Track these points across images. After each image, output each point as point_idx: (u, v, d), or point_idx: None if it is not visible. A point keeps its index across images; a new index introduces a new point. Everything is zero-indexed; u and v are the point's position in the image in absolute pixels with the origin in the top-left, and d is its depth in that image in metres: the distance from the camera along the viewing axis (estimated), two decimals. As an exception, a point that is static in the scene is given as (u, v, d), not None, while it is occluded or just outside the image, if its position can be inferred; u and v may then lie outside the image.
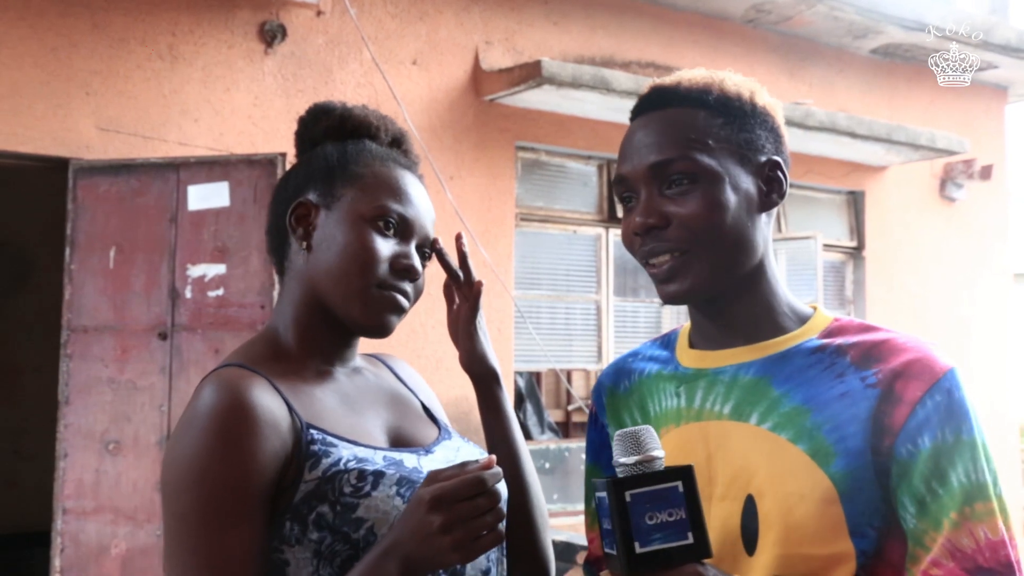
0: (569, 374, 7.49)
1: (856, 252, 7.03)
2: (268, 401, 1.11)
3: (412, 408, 1.33)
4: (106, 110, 4.31)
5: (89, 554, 3.93)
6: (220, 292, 3.97)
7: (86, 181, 4.11)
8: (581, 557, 4.10)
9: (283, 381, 1.17)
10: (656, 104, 1.21)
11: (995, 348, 7.41)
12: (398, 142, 1.34)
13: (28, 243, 6.38)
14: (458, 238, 1.35)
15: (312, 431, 1.13)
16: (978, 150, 7.15)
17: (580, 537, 4.47)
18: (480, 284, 1.34)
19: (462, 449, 1.30)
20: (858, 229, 7.04)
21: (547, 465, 5.61)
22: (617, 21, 5.84)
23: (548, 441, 6.05)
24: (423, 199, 1.28)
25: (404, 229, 1.23)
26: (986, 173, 7.18)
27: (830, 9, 6.15)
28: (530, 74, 5.01)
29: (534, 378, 7.08)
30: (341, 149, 1.27)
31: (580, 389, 8.27)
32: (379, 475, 1.12)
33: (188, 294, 3.99)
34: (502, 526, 1.06)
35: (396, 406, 1.31)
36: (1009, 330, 7.63)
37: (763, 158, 1.19)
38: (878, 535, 1.09)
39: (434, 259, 1.31)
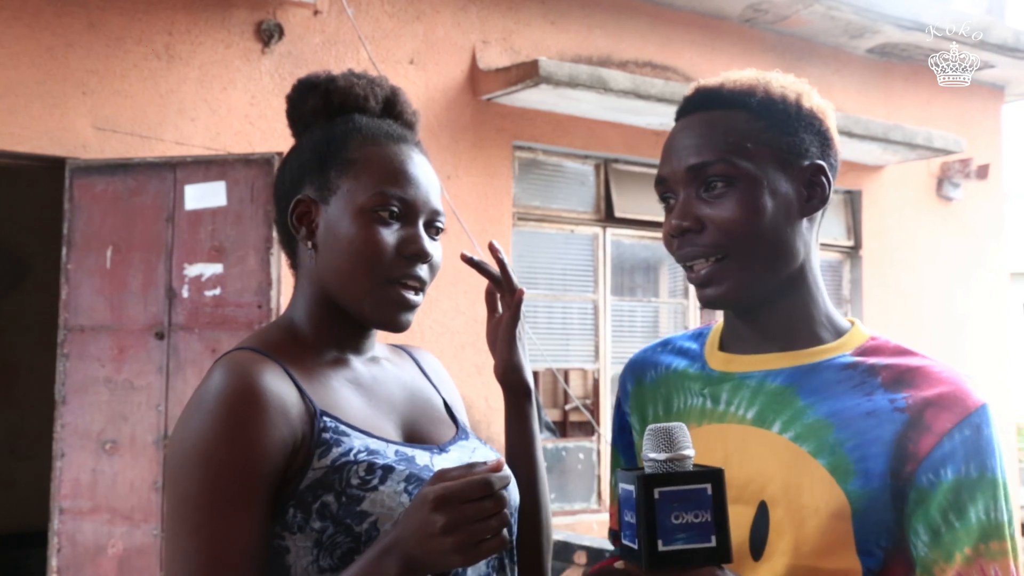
0: (566, 373, 7.48)
1: (853, 251, 7.04)
2: (278, 386, 1.10)
3: (432, 404, 1.31)
4: (102, 109, 4.30)
5: (86, 554, 3.92)
6: (217, 292, 3.96)
7: (83, 180, 4.10)
8: (579, 556, 4.12)
9: (297, 367, 1.15)
10: (699, 106, 1.20)
11: (991, 347, 7.42)
12: (390, 106, 1.29)
13: (24, 243, 6.36)
14: (492, 246, 1.32)
15: (325, 418, 1.12)
16: (975, 149, 7.16)
17: (578, 537, 4.48)
18: (522, 292, 1.31)
19: (478, 451, 1.28)
20: (855, 228, 7.05)
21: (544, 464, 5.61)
22: (614, 21, 5.84)
23: (545, 440, 6.05)
24: (423, 171, 1.23)
25: (407, 212, 1.20)
26: (983, 172, 7.18)
27: (827, 9, 6.15)
28: (527, 73, 5.00)
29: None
30: (330, 132, 1.23)
31: (577, 389, 8.26)
32: (388, 469, 1.10)
33: (185, 294, 3.98)
34: (507, 532, 1.03)
35: (415, 400, 1.28)
36: (1005, 329, 7.64)
37: (806, 162, 1.18)
38: (884, 555, 1.09)
39: (447, 232, 1.27)
